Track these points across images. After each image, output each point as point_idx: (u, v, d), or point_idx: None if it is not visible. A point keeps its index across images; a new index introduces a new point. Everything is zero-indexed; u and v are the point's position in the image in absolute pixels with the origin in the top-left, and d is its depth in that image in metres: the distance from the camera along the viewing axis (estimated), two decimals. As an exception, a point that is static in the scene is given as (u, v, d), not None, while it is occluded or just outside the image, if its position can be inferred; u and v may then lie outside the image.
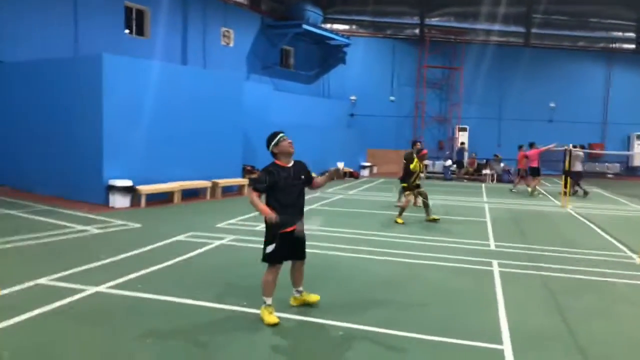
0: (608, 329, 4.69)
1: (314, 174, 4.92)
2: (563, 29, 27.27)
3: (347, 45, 24.68)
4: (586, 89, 26.98)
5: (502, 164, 22.36)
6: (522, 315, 4.92)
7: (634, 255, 7.63)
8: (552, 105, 26.78)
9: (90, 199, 11.22)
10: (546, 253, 7.74)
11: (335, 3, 25.33)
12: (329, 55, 25.29)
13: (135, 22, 16.62)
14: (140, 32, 16.75)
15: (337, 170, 4.69)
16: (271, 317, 4.50)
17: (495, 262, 6.98)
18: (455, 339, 4.27)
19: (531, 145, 17.14)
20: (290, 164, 4.65)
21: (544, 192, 17.21)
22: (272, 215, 4.39)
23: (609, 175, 26.13)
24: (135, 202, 11.27)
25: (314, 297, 4.96)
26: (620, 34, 27.58)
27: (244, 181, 14.39)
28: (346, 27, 25.99)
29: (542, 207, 13.42)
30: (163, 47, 16.96)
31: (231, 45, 20.10)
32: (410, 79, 26.18)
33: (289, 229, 4.57)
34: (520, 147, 17.67)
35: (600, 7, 26.58)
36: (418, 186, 10.70)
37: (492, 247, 8.10)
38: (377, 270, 6.47)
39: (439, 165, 23.57)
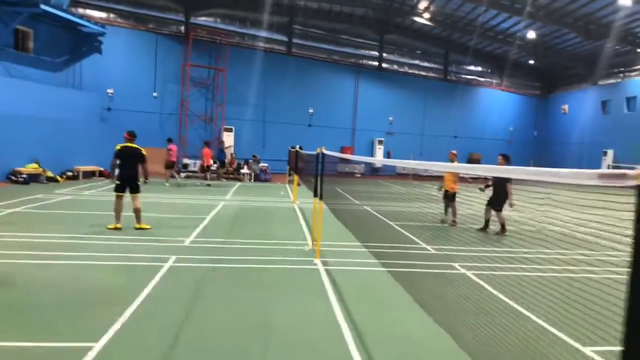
0: (219, 309, 5.01)
1: None
2: (320, 42, 30.07)
3: (102, 34, 22.75)
4: (340, 98, 30.30)
5: (260, 164, 23.45)
6: (153, 309, 4.95)
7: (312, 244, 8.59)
8: (310, 111, 29.29)
9: None
10: (236, 245, 8.15)
11: (88, -13, 23.19)
12: (81, 42, 22.91)
13: None
14: None
15: None
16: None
17: (173, 257, 7.02)
18: (43, 342, 4.01)
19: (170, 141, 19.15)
20: None
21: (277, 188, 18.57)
22: None
23: (357, 175, 29.76)
24: None
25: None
26: (366, 52, 31.69)
27: None
28: (103, 14, 24.01)
29: (276, 204, 14.37)
30: None
31: (-61, 17, 16.59)
32: (175, 76, 25.55)
33: None
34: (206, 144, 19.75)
35: (349, 26, 30.10)
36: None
37: (187, 243, 8.19)
38: (35, 275, 5.86)
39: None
